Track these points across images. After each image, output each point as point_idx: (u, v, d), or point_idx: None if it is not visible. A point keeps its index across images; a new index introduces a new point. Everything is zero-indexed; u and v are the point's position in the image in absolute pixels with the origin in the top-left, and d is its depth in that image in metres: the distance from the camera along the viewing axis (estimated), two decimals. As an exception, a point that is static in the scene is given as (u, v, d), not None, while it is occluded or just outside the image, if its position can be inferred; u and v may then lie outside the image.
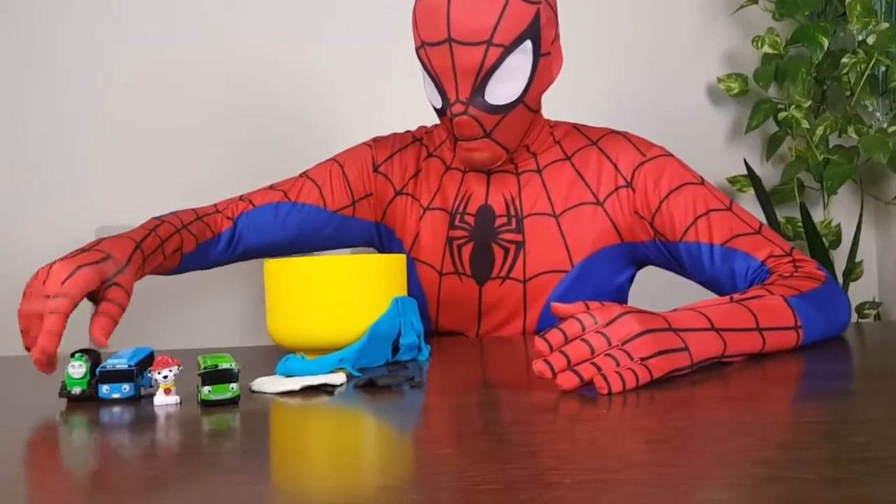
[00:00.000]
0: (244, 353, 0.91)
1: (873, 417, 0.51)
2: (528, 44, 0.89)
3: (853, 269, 1.56)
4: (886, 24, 1.44)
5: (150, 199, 1.56)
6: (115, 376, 0.62)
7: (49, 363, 0.70)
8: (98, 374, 0.63)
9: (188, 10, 1.55)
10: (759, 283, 0.86)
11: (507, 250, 0.97)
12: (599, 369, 0.61)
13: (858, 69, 1.46)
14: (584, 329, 0.63)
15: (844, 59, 1.47)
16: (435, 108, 0.94)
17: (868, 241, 1.66)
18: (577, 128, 1.01)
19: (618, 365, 0.61)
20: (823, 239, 1.53)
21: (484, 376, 0.71)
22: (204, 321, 1.49)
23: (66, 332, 1.53)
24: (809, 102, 1.51)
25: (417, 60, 0.95)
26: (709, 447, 0.45)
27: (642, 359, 0.61)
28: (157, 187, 1.56)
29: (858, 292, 1.64)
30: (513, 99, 0.90)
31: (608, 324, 0.62)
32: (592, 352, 0.61)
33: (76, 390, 0.63)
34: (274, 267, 0.78)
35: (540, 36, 0.90)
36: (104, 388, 0.63)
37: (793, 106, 1.52)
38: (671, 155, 0.97)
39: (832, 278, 0.85)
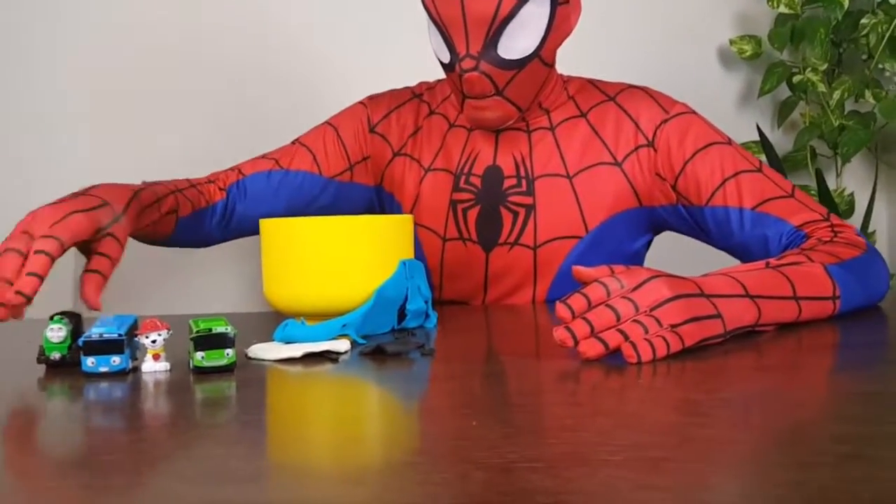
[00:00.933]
0: (237, 320, 0.86)
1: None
2: None
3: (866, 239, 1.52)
4: (908, -16, 1.38)
5: (138, 158, 1.49)
6: (103, 347, 0.55)
7: (18, 310, 0.64)
8: (82, 346, 0.55)
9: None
10: (794, 247, 0.81)
11: (516, 214, 0.90)
12: (626, 336, 0.56)
13: (879, 30, 1.40)
14: (608, 294, 0.58)
15: (864, 20, 1.41)
16: (441, 63, 0.86)
17: (880, 211, 1.62)
18: (592, 83, 0.94)
19: (646, 332, 0.56)
20: (837, 208, 1.49)
21: (495, 345, 0.65)
22: (195, 290, 1.44)
23: (34, 302, 1.48)
24: (826, 65, 1.45)
25: (423, 7, 0.87)
26: (770, 421, 0.40)
27: (672, 326, 0.56)
28: (144, 147, 1.49)
29: (869, 264, 1.60)
30: (528, 53, 0.83)
31: (635, 288, 0.57)
32: (618, 318, 0.56)
33: (55, 356, 0.56)
34: (271, 226, 0.73)
35: None
36: (89, 361, 0.55)
37: (808, 69, 1.46)
38: (695, 112, 0.90)
39: (872, 246, 0.80)
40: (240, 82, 1.50)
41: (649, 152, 0.89)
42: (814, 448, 0.35)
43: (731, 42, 1.53)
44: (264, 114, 1.50)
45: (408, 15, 1.51)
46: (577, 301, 0.57)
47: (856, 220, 1.56)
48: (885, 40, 1.40)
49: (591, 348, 0.55)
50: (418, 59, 1.51)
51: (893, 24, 1.39)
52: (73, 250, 1.46)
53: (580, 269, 0.60)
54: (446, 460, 0.35)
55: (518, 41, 0.82)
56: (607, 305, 0.57)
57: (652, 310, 0.56)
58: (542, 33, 0.83)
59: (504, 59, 0.83)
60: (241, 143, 1.50)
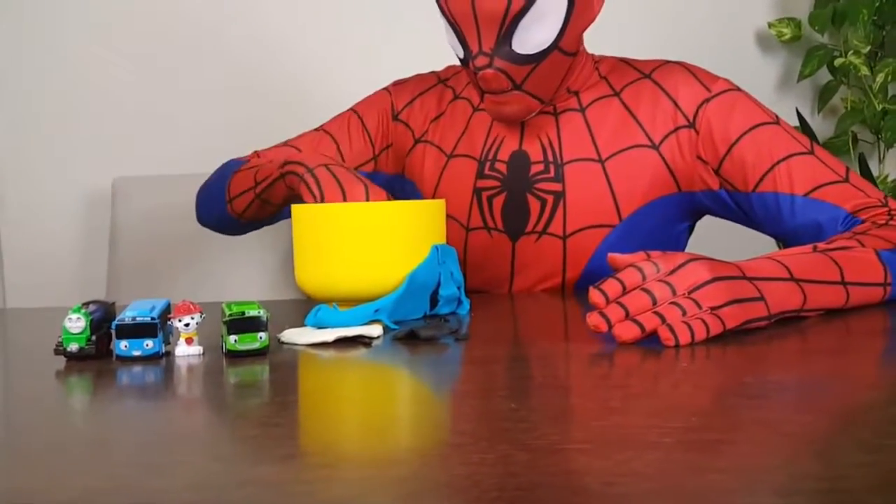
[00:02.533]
0: (269, 306, 0.85)
1: None
2: None
3: (910, 228, 1.47)
4: (956, -38, 1.33)
5: (165, 149, 1.50)
6: (135, 331, 0.54)
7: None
8: (115, 329, 0.55)
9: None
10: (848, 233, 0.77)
11: (544, 202, 0.87)
12: (664, 319, 0.54)
13: (924, 11, 1.35)
14: (644, 278, 0.56)
15: (909, 0, 1.36)
16: (458, 59, 0.83)
17: (924, 198, 1.57)
18: (626, 61, 0.89)
19: (685, 314, 0.54)
20: (879, 195, 1.44)
21: (528, 331, 0.64)
22: (220, 278, 1.44)
23: (67, 287, 1.49)
24: (868, 48, 1.41)
25: (437, 4, 0.83)
26: (828, 404, 0.38)
27: (713, 308, 0.54)
28: (171, 138, 1.50)
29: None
30: (546, 46, 0.79)
31: (673, 272, 0.55)
32: (655, 302, 0.54)
33: (73, 347, 0.55)
34: (303, 211, 0.72)
35: None
36: (122, 345, 0.54)
37: (850, 52, 1.41)
38: (739, 89, 0.85)
39: None
40: (247, 77, 1.50)
41: (690, 134, 0.84)
42: (878, 430, 0.33)
43: (770, 25, 1.49)
44: (270, 107, 1.49)
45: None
46: (611, 286, 0.55)
47: (900, 208, 1.51)
48: (931, 21, 1.35)
49: (627, 331, 0.54)
50: (428, 54, 1.49)
51: (940, 3, 1.34)
52: (108, 240, 1.47)
53: (615, 256, 0.58)
54: (487, 441, 0.34)
55: (534, 34, 0.79)
56: (643, 289, 0.55)
57: (690, 292, 0.54)
58: (560, 24, 0.79)
59: (519, 55, 0.79)
60: (260, 125, 1.49)
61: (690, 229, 0.94)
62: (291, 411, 0.41)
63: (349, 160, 0.96)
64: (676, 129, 0.85)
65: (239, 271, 1.35)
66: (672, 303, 0.54)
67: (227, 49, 1.50)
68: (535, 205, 0.87)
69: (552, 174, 0.86)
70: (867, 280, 0.65)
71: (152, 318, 0.55)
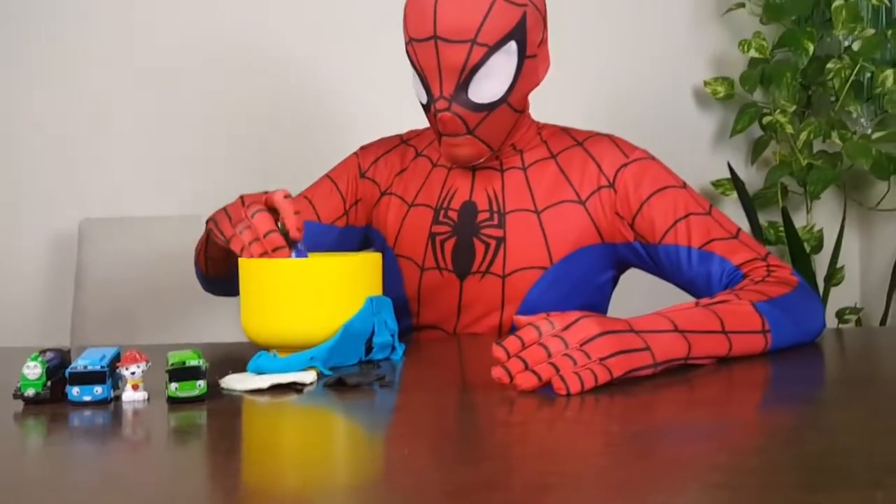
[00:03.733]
0: (217, 349, 0.91)
1: (835, 425, 0.51)
2: (512, 45, 0.90)
3: (834, 275, 1.57)
4: (872, 31, 1.45)
5: (136, 191, 1.55)
6: (87, 378, 0.61)
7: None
8: (67, 376, 0.61)
9: (187, 4, 1.55)
10: (733, 286, 0.87)
11: (487, 245, 0.98)
12: (557, 370, 0.61)
13: (843, 75, 1.46)
14: (541, 335, 0.64)
15: (830, 65, 1.48)
16: (422, 104, 0.96)
17: (851, 246, 1.67)
18: (565, 129, 1.03)
19: (575, 364, 0.62)
20: (805, 244, 1.54)
21: (450, 377, 0.71)
22: (189, 319, 1.49)
23: (32, 327, 1.53)
24: (794, 107, 1.52)
25: (406, 55, 0.97)
26: (664, 451, 0.45)
27: (601, 359, 0.62)
28: (143, 180, 1.56)
29: (839, 298, 1.65)
30: (496, 98, 0.92)
31: (566, 328, 0.64)
32: (549, 354, 0.62)
33: (30, 392, 0.61)
34: (246, 265, 0.78)
35: (526, 38, 0.92)
36: (74, 391, 0.61)
37: (778, 110, 1.52)
38: (654, 158, 0.99)
39: (805, 284, 0.86)
40: (218, 121, 1.56)
41: (610, 193, 0.96)
42: (690, 476, 0.40)
43: (706, 83, 1.60)
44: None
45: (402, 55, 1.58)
46: (511, 343, 0.64)
47: (825, 255, 1.61)
48: (848, 84, 1.47)
49: (526, 381, 0.61)
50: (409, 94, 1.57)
51: (857, 68, 1.46)
52: (72, 283, 1.51)
53: (519, 318, 0.67)
54: (379, 487, 0.40)
55: (486, 87, 0.91)
56: (539, 344, 0.63)
57: (582, 345, 0.62)
58: (509, 81, 0.92)
59: (474, 102, 0.92)
60: (228, 173, 1.55)
61: (615, 280, 1.03)
62: (226, 454, 0.48)
63: (324, 217, 1.09)
64: (599, 188, 0.97)
65: (202, 314, 1.40)
66: (565, 355, 0.62)
67: (198, 93, 1.56)
68: (480, 248, 0.98)
69: (496, 221, 0.98)
70: (746, 329, 0.74)
71: (102, 367, 0.61)
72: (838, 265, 1.58)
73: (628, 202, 0.95)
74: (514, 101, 0.93)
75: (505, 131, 0.95)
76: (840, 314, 1.60)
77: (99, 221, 1.40)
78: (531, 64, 0.93)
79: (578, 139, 1.00)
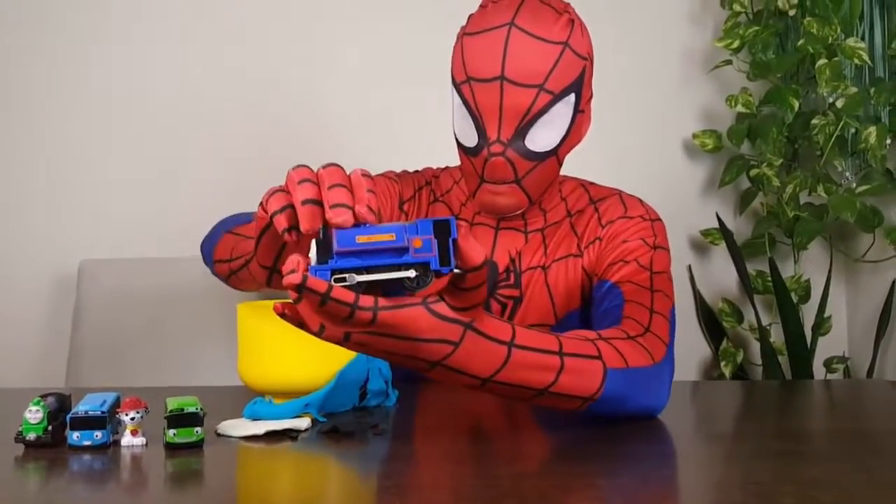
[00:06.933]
0: (214, 394, 0.93)
1: (811, 479, 0.53)
2: (572, 97, 0.90)
3: (822, 324, 1.59)
4: (854, 89, 1.49)
5: (137, 232, 1.58)
6: (87, 423, 0.63)
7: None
8: (68, 422, 0.63)
9: (186, 37, 1.59)
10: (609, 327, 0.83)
11: (504, 305, 0.96)
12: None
13: (828, 130, 1.51)
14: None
15: (814, 121, 1.52)
16: (464, 147, 0.92)
17: (838, 296, 1.70)
18: (583, 185, 1.01)
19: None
20: (793, 293, 1.57)
21: (448, 424, 0.72)
22: (189, 362, 1.50)
23: (28, 367, 1.53)
24: (781, 160, 1.56)
25: (456, 94, 0.92)
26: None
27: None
28: (141, 220, 1.58)
29: (827, 347, 1.67)
30: (549, 148, 0.90)
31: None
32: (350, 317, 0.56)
33: (31, 436, 0.63)
34: (246, 310, 0.80)
35: (582, 91, 0.91)
36: (74, 435, 0.63)
37: (765, 163, 1.56)
38: (656, 220, 0.94)
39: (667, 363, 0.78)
40: (220, 162, 1.59)
41: (598, 243, 0.95)
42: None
43: (694, 136, 1.64)
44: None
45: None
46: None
47: (812, 306, 1.64)
48: (833, 139, 1.51)
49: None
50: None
51: (841, 124, 1.50)
52: (70, 324, 1.52)
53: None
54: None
55: (543, 136, 0.89)
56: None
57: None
58: (563, 132, 0.91)
59: (529, 150, 0.89)
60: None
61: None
62: (222, 500, 0.49)
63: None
64: (594, 240, 0.96)
65: (202, 356, 1.41)
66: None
67: (199, 135, 1.59)
68: (496, 308, 0.97)
69: (512, 281, 0.96)
70: (576, 393, 0.67)
71: (102, 412, 0.63)
72: (825, 315, 1.60)
73: (604, 249, 0.93)
74: (560, 154, 0.92)
75: (546, 184, 0.93)
76: (828, 363, 1.62)
77: (99, 262, 1.42)
78: (580, 119, 0.93)
79: (594, 198, 0.99)
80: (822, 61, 1.50)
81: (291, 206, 0.59)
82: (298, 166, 0.61)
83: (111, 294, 1.39)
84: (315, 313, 0.57)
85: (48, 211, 1.57)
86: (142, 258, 1.46)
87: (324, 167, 0.60)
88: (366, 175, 0.59)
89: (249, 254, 0.82)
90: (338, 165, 0.60)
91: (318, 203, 0.58)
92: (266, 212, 0.61)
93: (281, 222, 0.59)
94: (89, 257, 1.55)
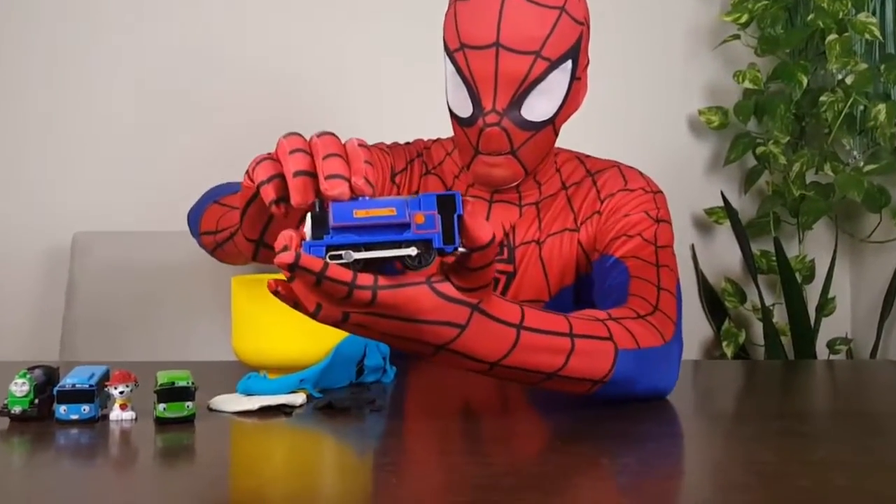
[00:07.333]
0: (209, 368, 0.91)
1: (817, 460, 0.51)
2: (569, 63, 0.86)
3: (825, 305, 1.57)
4: (864, 65, 1.46)
5: (132, 205, 1.56)
6: (74, 396, 0.61)
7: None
8: (55, 395, 0.61)
9: (177, 13, 1.56)
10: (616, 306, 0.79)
11: (497, 280, 0.93)
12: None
13: (836, 108, 1.48)
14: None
15: (823, 98, 1.49)
16: (458, 117, 0.89)
17: (842, 277, 1.68)
18: (579, 158, 0.97)
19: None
20: (797, 274, 1.55)
21: (446, 401, 0.71)
22: (183, 336, 1.49)
23: (21, 341, 1.52)
24: (787, 138, 1.53)
25: (449, 63, 0.87)
26: (648, 487, 0.45)
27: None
28: (135, 193, 1.56)
29: (830, 328, 1.65)
30: (546, 117, 0.87)
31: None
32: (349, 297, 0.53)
33: (17, 409, 0.61)
34: (240, 283, 0.78)
35: (579, 58, 0.88)
36: (62, 409, 0.61)
37: (771, 141, 1.54)
38: (655, 192, 0.91)
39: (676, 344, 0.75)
40: (214, 134, 1.57)
41: (597, 217, 0.92)
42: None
43: (700, 112, 1.61)
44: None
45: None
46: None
47: (816, 286, 1.62)
48: (842, 117, 1.48)
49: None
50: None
51: (850, 101, 1.47)
52: (63, 297, 1.51)
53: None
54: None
55: (540, 105, 0.86)
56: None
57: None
58: (560, 101, 0.87)
59: (525, 120, 0.86)
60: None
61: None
62: (213, 476, 0.47)
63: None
64: (592, 214, 0.93)
65: (197, 331, 1.39)
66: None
67: (194, 109, 1.57)
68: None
69: (506, 256, 0.93)
70: (586, 376, 0.64)
71: (90, 386, 0.61)
72: (830, 295, 1.58)
73: (605, 223, 0.90)
74: (557, 124, 0.89)
75: (543, 155, 0.90)
76: (831, 345, 1.61)
77: (93, 235, 1.40)
78: (577, 87, 0.89)
79: (591, 170, 0.95)
80: (832, 36, 1.47)
81: (280, 177, 0.55)
82: (290, 134, 0.57)
83: (105, 267, 1.37)
84: (310, 293, 0.53)
85: (41, 183, 1.54)
86: (136, 231, 1.44)
87: (318, 135, 0.56)
88: (362, 145, 0.55)
89: (235, 226, 0.77)
90: (332, 134, 0.56)
91: (312, 175, 0.54)
92: (252, 181, 0.57)
93: (269, 193, 0.55)
94: (83, 230, 1.54)
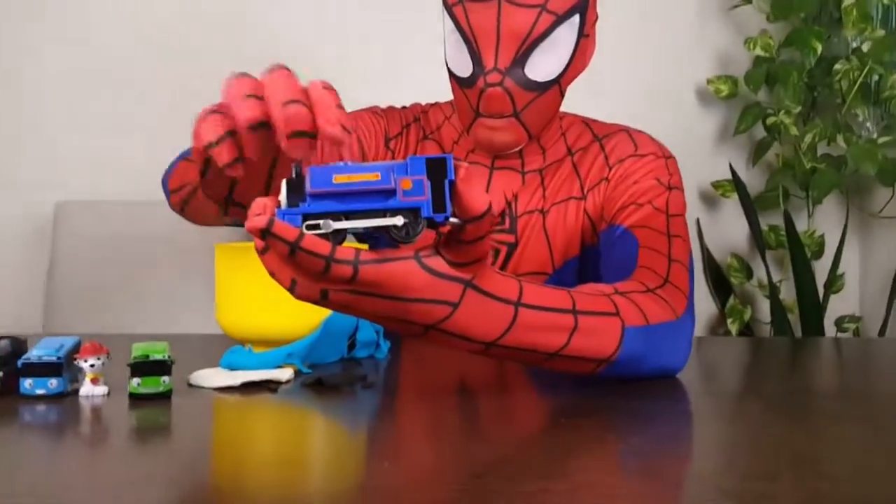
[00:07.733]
0: (190, 341, 0.86)
1: (843, 441, 0.47)
2: (576, 18, 0.81)
3: (834, 282, 1.53)
4: (882, 32, 1.41)
5: (112, 172, 1.50)
6: (41, 369, 0.56)
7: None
8: (20, 367, 0.56)
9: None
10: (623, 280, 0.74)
11: (497, 252, 0.88)
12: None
13: (851, 76, 1.42)
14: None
15: (837, 66, 1.44)
16: (457, 78, 0.83)
17: (852, 253, 1.64)
18: (585, 122, 0.91)
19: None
20: (807, 249, 1.50)
21: (442, 378, 0.66)
22: (167, 307, 1.44)
23: (4, 315, 1.48)
24: (799, 108, 1.48)
25: (448, 18, 0.82)
26: (667, 469, 0.41)
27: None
28: (119, 161, 1.51)
29: (839, 305, 1.61)
30: (552, 77, 0.81)
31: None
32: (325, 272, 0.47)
33: None
34: (223, 251, 0.73)
35: (587, 13, 0.82)
36: (27, 383, 0.56)
37: (782, 111, 1.48)
38: (667, 157, 0.85)
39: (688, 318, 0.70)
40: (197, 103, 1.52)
41: (605, 184, 0.86)
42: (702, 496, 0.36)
43: (709, 81, 1.55)
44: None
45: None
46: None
47: (825, 262, 1.58)
48: (856, 86, 1.43)
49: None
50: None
51: (865, 70, 1.42)
52: (46, 268, 1.46)
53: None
54: (358, 497, 0.36)
55: (545, 63, 0.81)
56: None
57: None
58: (566, 60, 0.82)
59: (529, 80, 0.81)
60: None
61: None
62: (191, 457, 0.43)
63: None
64: (600, 181, 0.88)
65: (184, 302, 1.35)
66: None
67: (181, 75, 1.51)
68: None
69: (507, 226, 0.88)
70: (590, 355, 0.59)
71: (58, 358, 0.56)
72: (838, 272, 1.54)
73: (614, 191, 0.84)
74: (563, 85, 0.83)
75: (547, 118, 0.84)
76: (839, 322, 1.57)
77: (76, 204, 1.34)
78: (584, 44, 0.84)
79: (599, 134, 0.89)
80: (848, 1, 1.41)
81: (232, 133, 0.47)
82: (239, 74, 0.48)
83: (88, 237, 1.32)
84: (285, 266, 0.47)
85: (22, 151, 1.49)
86: (120, 200, 1.39)
87: (269, 71, 0.46)
88: (327, 87, 0.47)
89: (195, 181, 0.68)
90: (287, 69, 0.47)
91: (268, 126, 0.46)
92: (200, 143, 0.48)
93: (221, 156, 0.47)
94: (65, 199, 1.49)
